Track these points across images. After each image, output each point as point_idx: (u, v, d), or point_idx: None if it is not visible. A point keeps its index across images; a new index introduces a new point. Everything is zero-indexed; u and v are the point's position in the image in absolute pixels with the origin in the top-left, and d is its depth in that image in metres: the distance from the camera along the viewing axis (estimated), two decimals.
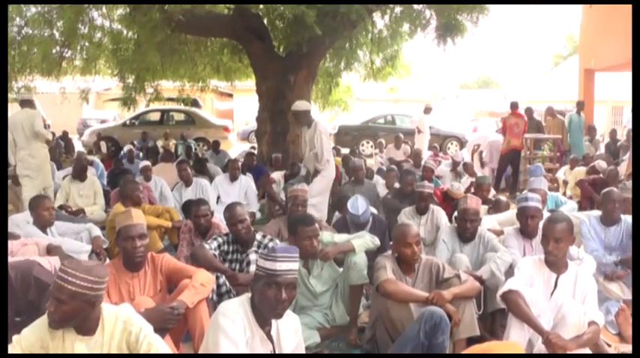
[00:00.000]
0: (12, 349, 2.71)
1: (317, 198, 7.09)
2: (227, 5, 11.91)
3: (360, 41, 13.53)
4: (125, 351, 2.79)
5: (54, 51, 11.14)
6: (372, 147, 19.54)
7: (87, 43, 11.23)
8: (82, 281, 2.64)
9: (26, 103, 9.17)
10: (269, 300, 2.80)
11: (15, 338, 2.72)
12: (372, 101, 29.71)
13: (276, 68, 11.23)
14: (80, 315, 2.68)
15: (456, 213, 5.31)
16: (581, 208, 7.44)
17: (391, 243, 5.63)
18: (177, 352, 3.47)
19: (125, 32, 11.52)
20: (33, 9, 10.64)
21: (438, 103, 28.43)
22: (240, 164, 9.07)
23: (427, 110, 14.39)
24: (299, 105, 7.45)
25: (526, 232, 4.74)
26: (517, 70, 59.74)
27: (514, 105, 11.51)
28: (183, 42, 12.75)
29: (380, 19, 13.02)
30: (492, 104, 29.52)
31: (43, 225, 5.34)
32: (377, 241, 4.70)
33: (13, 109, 17.89)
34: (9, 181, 8.35)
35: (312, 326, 4.33)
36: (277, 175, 9.19)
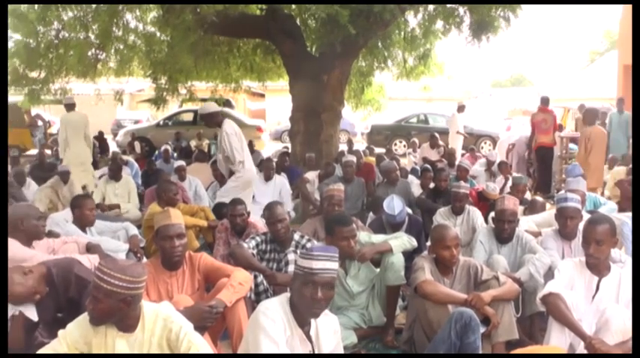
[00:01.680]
0: (58, 343, 2.77)
1: (224, 199, 7.06)
2: (260, 6, 11.99)
3: (392, 40, 13.44)
4: (165, 348, 2.84)
5: (89, 53, 11.34)
6: (404, 146, 19.46)
7: (121, 46, 11.38)
8: (117, 280, 2.69)
9: (72, 106, 9.91)
10: (306, 299, 2.81)
11: (60, 332, 2.79)
12: (404, 100, 29.59)
13: (309, 68, 11.22)
14: (117, 313, 2.73)
15: (492, 214, 5.28)
16: (620, 209, 7.30)
17: (427, 243, 5.66)
18: (215, 350, 3.50)
19: (158, 34, 11.66)
20: (70, 13, 10.83)
21: (470, 102, 28.16)
22: (274, 164, 9.08)
23: (460, 108, 14.26)
24: (206, 107, 7.37)
25: (565, 233, 4.67)
26: (551, 68, 58.95)
27: (544, 101, 11.34)
28: (216, 43, 12.85)
29: (413, 18, 12.96)
30: (526, 102, 29.15)
31: (84, 224, 5.42)
32: (414, 242, 4.68)
33: (51, 111, 18.32)
34: (54, 179, 8.53)
35: (349, 326, 4.34)
36: (311, 175, 9.19)
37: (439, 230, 4.12)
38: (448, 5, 11.35)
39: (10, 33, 11.13)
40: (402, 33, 13.20)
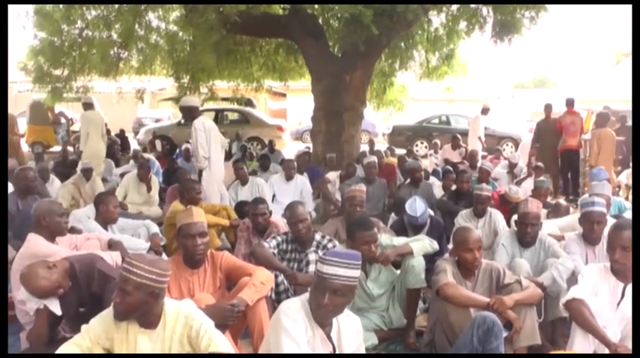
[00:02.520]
0: (81, 338, 2.81)
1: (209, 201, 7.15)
2: (282, 6, 12.04)
3: (415, 40, 13.43)
4: (186, 346, 2.87)
5: (112, 52, 11.49)
6: (426, 147, 19.40)
7: (143, 45, 11.49)
8: (147, 273, 2.73)
9: (91, 106, 10.26)
10: (313, 303, 2.83)
11: (84, 327, 2.84)
12: (426, 101, 29.43)
13: (332, 68, 11.24)
14: (144, 307, 2.77)
15: (515, 217, 5.24)
16: None
17: (449, 245, 5.63)
18: (235, 349, 3.52)
19: (181, 34, 11.75)
20: (93, 12, 10.96)
21: (492, 103, 27.97)
22: (295, 164, 9.10)
23: (485, 111, 14.11)
24: (185, 101, 7.55)
25: (590, 238, 4.61)
26: (575, 69, 58.31)
27: (570, 103, 11.22)
28: (238, 42, 12.97)
29: (436, 18, 12.92)
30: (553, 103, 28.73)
31: (107, 221, 5.49)
32: (435, 245, 4.65)
33: (73, 108, 18.52)
34: (76, 176, 8.62)
35: (369, 328, 4.33)
36: (332, 175, 9.19)
37: (461, 232, 4.10)
38: (472, 5, 11.31)
39: (35, 31, 11.31)
40: (425, 33, 13.18)
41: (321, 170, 10.22)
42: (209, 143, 7.23)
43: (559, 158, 11.22)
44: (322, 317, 2.86)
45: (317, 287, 2.80)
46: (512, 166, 10.37)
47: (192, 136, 7.20)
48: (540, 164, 9.86)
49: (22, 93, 23.77)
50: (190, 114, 7.36)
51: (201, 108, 18.69)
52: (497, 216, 6.21)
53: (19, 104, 23.78)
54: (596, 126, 10.17)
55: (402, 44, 13.26)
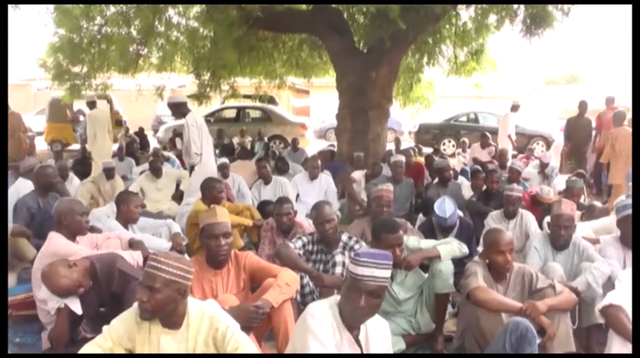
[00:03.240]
0: (102, 339, 2.83)
1: (191, 199, 7.14)
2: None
3: (443, 34, 13.31)
4: (211, 347, 2.88)
5: (131, 49, 11.57)
6: (453, 146, 19.29)
7: (163, 41, 11.56)
8: (175, 269, 2.76)
9: (94, 104, 10.60)
10: (349, 305, 2.81)
11: (105, 328, 2.86)
12: (453, 98, 29.25)
13: (357, 64, 11.22)
14: (171, 305, 2.79)
15: (547, 219, 5.19)
16: None
17: (478, 248, 5.59)
18: (260, 351, 3.53)
19: (201, 30, 11.79)
20: (113, 8, 11.07)
21: (522, 100, 27.72)
22: (319, 162, 9.10)
23: (514, 108, 13.96)
24: (172, 97, 7.59)
25: (628, 242, 4.51)
26: (607, 65, 57.49)
27: (610, 101, 11.14)
28: (261, 38, 12.96)
29: (465, 11, 12.81)
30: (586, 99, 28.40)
31: (128, 221, 5.51)
32: (465, 249, 4.60)
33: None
34: (96, 174, 8.72)
35: (397, 332, 4.31)
36: (358, 175, 9.17)
37: (493, 234, 4.07)
38: None
39: (54, 28, 11.45)
40: (454, 27, 13.03)
41: (343, 165, 10.20)
42: (201, 139, 7.33)
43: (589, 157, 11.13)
44: (357, 320, 2.86)
45: (351, 289, 2.79)
46: (543, 166, 10.26)
47: (184, 132, 7.31)
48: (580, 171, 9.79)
49: (41, 90, 24.05)
50: (179, 110, 7.45)
51: (222, 106, 18.95)
52: (528, 217, 6.15)
53: (38, 102, 24.10)
54: (614, 125, 10.07)
55: (430, 39, 13.17)
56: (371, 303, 2.79)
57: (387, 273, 2.83)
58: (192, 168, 7.44)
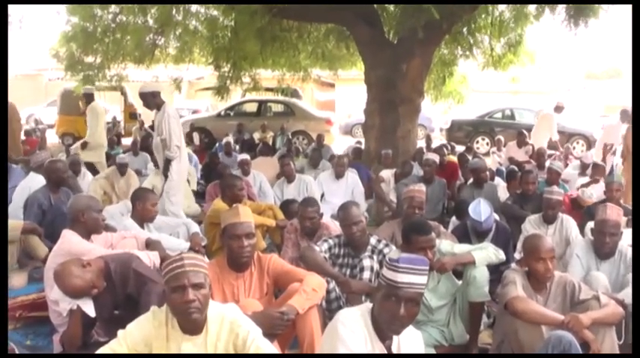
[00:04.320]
0: (117, 344, 2.82)
1: (178, 196, 7.16)
2: None
3: (479, 25, 13.18)
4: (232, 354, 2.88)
5: (147, 38, 11.65)
6: (487, 144, 19.13)
7: (181, 31, 11.60)
8: (205, 269, 2.82)
9: (92, 97, 10.86)
10: (386, 314, 2.78)
11: (120, 333, 2.85)
12: (487, 92, 29.06)
13: (387, 56, 11.15)
14: (208, 306, 2.81)
15: (590, 225, 5.12)
16: None
17: (515, 254, 5.54)
18: None
19: (221, 19, 11.81)
20: None
21: (562, 96, 27.46)
22: (346, 160, 9.07)
23: (558, 109, 13.72)
24: (145, 86, 7.40)
25: None
26: None
27: None
28: (285, 28, 12.94)
29: None
30: (626, 97, 27.97)
31: (144, 219, 5.49)
32: (501, 255, 4.53)
33: (106, 98, 18.95)
34: (109, 170, 8.79)
35: (429, 343, 4.26)
36: (387, 174, 9.06)
37: (533, 240, 4.02)
38: None
39: (67, 16, 11.55)
40: (490, 17, 12.91)
41: (368, 169, 10.16)
42: (180, 132, 7.26)
43: None
44: (394, 330, 2.84)
45: (388, 297, 2.76)
46: (584, 167, 10.14)
47: (164, 123, 7.06)
48: (600, 163, 9.65)
49: (53, 81, 24.27)
50: (154, 100, 7.24)
51: (242, 99, 18.98)
52: (569, 222, 6.06)
53: (49, 93, 24.32)
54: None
55: (465, 29, 13.06)
56: (410, 311, 2.76)
57: (425, 280, 2.82)
58: (167, 165, 7.20)
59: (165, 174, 7.21)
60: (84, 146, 10.99)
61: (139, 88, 7.45)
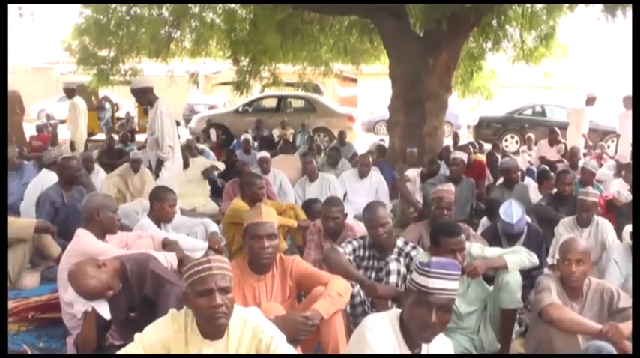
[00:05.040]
0: (134, 348, 2.82)
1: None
2: None
3: (509, 16, 13.07)
4: None
5: (162, 31, 11.69)
6: (517, 142, 18.99)
7: (198, 23, 11.62)
8: (231, 272, 2.83)
9: (73, 92, 11.00)
10: (417, 320, 2.76)
11: (137, 336, 2.84)
12: (517, 88, 28.81)
13: (413, 50, 11.11)
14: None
15: (628, 228, 5.06)
16: None
17: (548, 258, 5.49)
18: None
19: (240, 11, 11.80)
20: None
21: (596, 91, 27.13)
22: (370, 159, 9.04)
23: (590, 101, 13.60)
24: (137, 82, 7.42)
25: None
26: None
27: None
28: (306, 21, 12.93)
29: None
30: None
31: (161, 219, 5.47)
32: (535, 259, 4.49)
33: (119, 93, 19.08)
34: (123, 167, 8.81)
35: (458, 351, 4.23)
36: (412, 173, 8.99)
37: (565, 242, 4.02)
38: None
39: (81, 8, 11.62)
40: (521, 8, 12.80)
41: (392, 169, 10.12)
42: (174, 130, 7.21)
43: None
44: (425, 337, 2.82)
45: (419, 303, 2.75)
46: (620, 167, 10.02)
47: (157, 121, 7.01)
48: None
49: (65, 75, 24.44)
50: (146, 96, 7.21)
51: (261, 95, 18.99)
52: (605, 226, 5.99)
53: (60, 87, 24.52)
54: None
55: (494, 22, 12.97)
56: (442, 318, 2.75)
57: (457, 285, 2.81)
58: (159, 165, 7.17)
59: (157, 174, 7.19)
60: (72, 147, 11.08)
61: (131, 83, 7.56)
